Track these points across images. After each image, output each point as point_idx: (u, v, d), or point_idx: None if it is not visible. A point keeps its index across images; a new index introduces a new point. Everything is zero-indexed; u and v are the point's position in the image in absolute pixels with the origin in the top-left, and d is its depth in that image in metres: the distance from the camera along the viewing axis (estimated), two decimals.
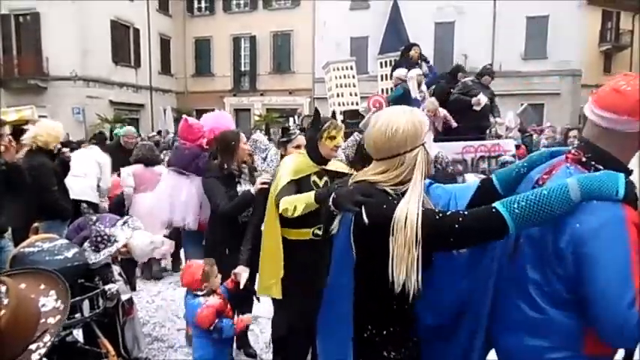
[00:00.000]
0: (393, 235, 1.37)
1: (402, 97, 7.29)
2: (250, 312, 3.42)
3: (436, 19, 21.77)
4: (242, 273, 2.92)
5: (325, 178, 2.74)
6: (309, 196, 2.44)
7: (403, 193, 1.47)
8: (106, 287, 2.52)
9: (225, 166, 3.28)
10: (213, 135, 3.64)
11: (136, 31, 23.23)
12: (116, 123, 18.62)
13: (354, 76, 10.60)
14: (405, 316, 1.55)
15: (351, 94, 10.38)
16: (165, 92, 25.51)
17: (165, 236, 3.76)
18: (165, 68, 25.87)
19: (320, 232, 2.62)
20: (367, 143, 1.57)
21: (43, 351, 1.30)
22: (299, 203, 2.44)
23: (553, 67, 21.44)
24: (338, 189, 1.65)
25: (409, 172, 1.50)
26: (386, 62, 9.63)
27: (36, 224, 3.79)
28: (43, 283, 1.50)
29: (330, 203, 1.60)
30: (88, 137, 13.75)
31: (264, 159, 6.00)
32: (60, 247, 2.28)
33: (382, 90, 9.31)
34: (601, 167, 1.42)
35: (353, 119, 8.60)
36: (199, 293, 2.82)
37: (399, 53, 8.85)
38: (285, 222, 2.67)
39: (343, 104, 10.23)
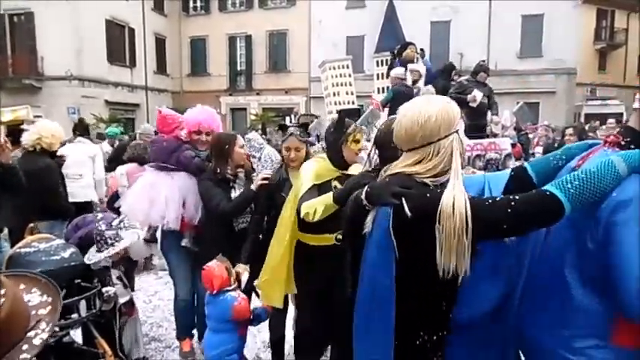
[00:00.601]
0: (439, 222, 1.31)
1: (392, 100, 7.31)
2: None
3: (432, 18, 21.80)
4: (243, 272, 2.95)
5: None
6: (327, 198, 2.35)
7: (443, 185, 1.40)
8: (104, 290, 2.51)
9: (219, 171, 3.16)
10: (196, 128, 3.43)
11: (131, 31, 23.15)
12: (112, 123, 18.54)
13: (350, 75, 10.60)
14: (449, 321, 1.47)
15: (347, 93, 10.38)
16: (161, 92, 25.44)
17: (145, 240, 3.75)
18: (161, 68, 25.79)
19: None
20: (397, 134, 1.51)
21: (45, 335, 1.35)
22: (318, 205, 2.35)
23: (548, 65, 21.52)
24: (372, 183, 1.57)
25: (447, 161, 1.44)
26: (382, 61, 9.65)
27: (31, 225, 3.76)
28: (22, 284, 1.51)
29: (364, 199, 1.53)
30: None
31: (259, 159, 5.99)
32: (56, 248, 2.27)
33: (378, 89, 9.32)
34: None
35: (349, 118, 8.60)
36: (229, 289, 2.86)
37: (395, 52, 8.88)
38: (307, 227, 2.58)
39: (339, 103, 10.22)
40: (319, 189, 2.52)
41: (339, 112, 2.80)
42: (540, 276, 1.54)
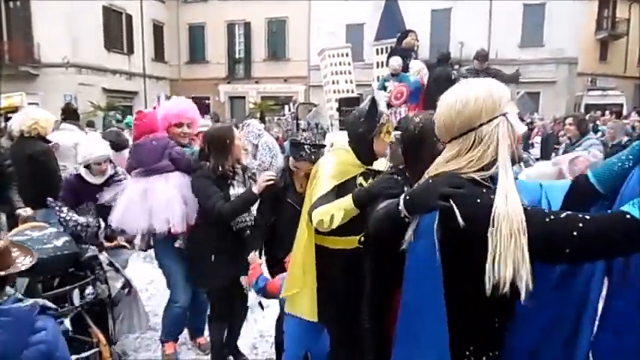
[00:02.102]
0: (493, 225, 1.14)
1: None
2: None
3: (432, 6, 21.60)
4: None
5: (371, 180, 2.32)
6: (346, 202, 2.10)
7: (492, 178, 1.25)
8: (97, 288, 2.53)
9: (220, 169, 2.94)
10: (177, 120, 3.25)
11: (129, 18, 22.90)
12: (109, 111, 18.45)
13: (349, 63, 10.54)
14: (502, 339, 1.31)
15: (346, 82, 10.33)
16: (159, 79, 25.24)
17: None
18: (159, 55, 25.56)
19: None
20: (437, 124, 1.37)
21: (27, 264, 1.70)
22: (336, 211, 2.09)
23: (549, 55, 21.40)
24: (411, 189, 1.37)
25: (493, 150, 1.25)
26: (382, 49, 9.57)
27: (24, 213, 3.72)
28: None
29: (402, 209, 1.33)
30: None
31: (256, 146, 5.94)
32: (49, 236, 2.24)
33: (377, 77, 9.26)
34: None
35: (348, 106, 8.55)
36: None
37: (394, 40, 8.79)
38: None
39: (339, 91, 10.17)
40: (341, 188, 2.24)
41: (372, 99, 2.46)
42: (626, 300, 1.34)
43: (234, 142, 3.02)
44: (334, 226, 2.11)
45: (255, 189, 2.85)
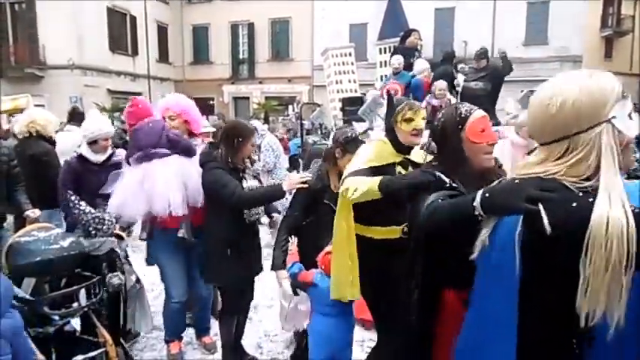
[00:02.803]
0: (586, 253, 0.98)
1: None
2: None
3: (436, 5, 21.54)
4: (283, 279, 2.80)
5: (411, 169, 2.30)
6: (374, 182, 2.07)
7: (595, 191, 1.05)
8: (111, 279, 2.58)
9: (230, 160, 2.96)
10: (164, 114, 3.28)
11: (133, 19, 22.98)
12: (114, 112, 18.51)
13: (352, 63, 10.51)
14: None
15: (349, 81, 10.31)
16: (163, 80, 25.31)
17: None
18: (163, 56, 25.64)
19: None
20: (528, 122, 1.24)
21: None
22: (362, 185, 2.09)
23: (554, 53, 21.27)
24: (491, 187, 1.22)
25: (593, 162, 1.07)
26: (385, 49, 9.55)
27: (31, 213, 3.75)
28: None
29: (477, 206, 1.20)
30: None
31: (259, 147, 5.99)
32: (56, 237, 2.26)
33: (381, 77, 9.24)
34: None
35: (352, 106, 8.54)
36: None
37: (398, 39, 8.77)
38: (370, 219, 2.34)
39: (342, 91, 10.15)
40: (378, 171, 2.22)
41: (388, 93, 2.55)
42: None
43: (248, 142, 3.01)
44: (354, 197, 2.10)
45: (286, 186, 2.84)
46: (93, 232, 3.03)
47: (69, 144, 4.81)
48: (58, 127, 4.78)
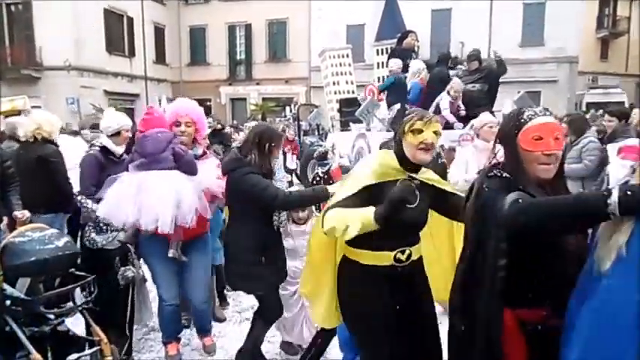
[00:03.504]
0: None
1: (392, 86, 7.23)
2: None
3: (432, 6, 21.61)
4: None
5: (416, 191, 2.04)
6: (365, 214, 1.86)
7: None
8: (125, 272, 2.80)
9: (262, 165, 2.88)
10: (174, 119, 3.22)
11: (130, 20, 22.96)
12: None
13: (350, 64, 10.54)
14: None
15: (347, 82, 10.34)
16: (160, 82, 25.29)
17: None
18: (160, 57, 25.62)
19: (404, 257, 2.09)
20: None
21: None
22: (353, 222, 1.85)
23: (550, 54, 21.37)
24: (631, 185, 1.16)
25: None
26: (382, 50, 9.58)
27: (20, 214, 3.74)
28: None
29: (614, 203, 1.12)
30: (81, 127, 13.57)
31: None
32: (50, 237, 2.26)
33: (378, 78, 9.26)
34: None
35: (349, 107, 8.56)
36: None
37: (395, 41, 8.80)
38: (358, 240, 1.98)
39: (339, 92, 10.18)
40: (377, 190, 1.98)
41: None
42: None
43: (279, 146, 3.00)
44: (347, 237, 1.89)
45: (332, 190, 2.75)
46: (104, 227, 3.10)
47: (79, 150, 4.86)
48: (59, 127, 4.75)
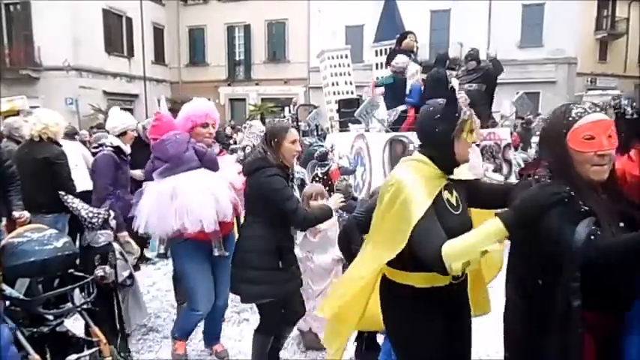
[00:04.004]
0: None
1: (392, 85, 7.23)
2: None
3: (432, 7, 21.63)
4: None
5: (455, 194, 1.93)
6: (492, 229, 1.58)
7: None
8: (99, 271, 2.65)
9: (278, 161, 2.76)
10: (192, 124, 3.17)
11: (129, 21, 22.96)
12: None
13: (349, 65, 10.54)
14: None
15: (346, 83, 10.34)
16: (159, 82, 25.30)
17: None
18: (159, 58, 25.63)
19: (460, 274, 1.87)
20: None
21: None
22: (484, 243, 1.58)
23: (549, 55, 21.43)
24: None
25: None
26: (381, 51, 9.56)
27: (18, 214, 3.74)
28: None
29: None
30: (80, 127, 13.56)
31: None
32: (49, 237, 2.26)
33: (377, 78, 9.26)
34: None
35: (348, 108, 8.55)
36: None
37: (394, 41, 8.79)
38: (410, 263, 1.84)
39: (338, 93, 10.18)
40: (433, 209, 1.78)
41: (451, 88, 2.07)
42: None
43: (283, 142, 2.79)
44: (482, 257, 1.64)
45: (332, 205, 2.86)
46: (89, 226, 3.11)
47: (77, 152, 4.90)
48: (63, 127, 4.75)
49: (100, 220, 3.09)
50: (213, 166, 3.08)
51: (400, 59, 7.46)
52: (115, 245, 3.13)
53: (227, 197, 2.98)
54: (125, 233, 3.56)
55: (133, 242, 3.58)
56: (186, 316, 3.26)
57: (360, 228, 2.45)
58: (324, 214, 2.82)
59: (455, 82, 6.73)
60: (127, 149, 3.60)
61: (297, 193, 2.97)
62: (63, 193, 3.32)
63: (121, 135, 3.57)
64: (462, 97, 6.46)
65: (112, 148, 3.52)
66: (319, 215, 2.81)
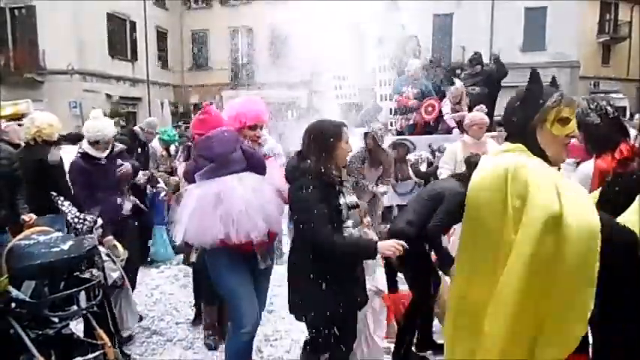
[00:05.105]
0: None
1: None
2: None
3: (434, 10, 21.65)
4: None
5: None
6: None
7: None
8: (86, 275, 2.64)
9: (323, 170, 2.36)
10: (240, 124, 2.84)
11: (133, 24, 23.06)
12: (113, 117, 18.53)
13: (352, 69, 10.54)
14: None
15: (349, 86, 10.34)
16: (163, 86, 25.37)
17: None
18: (163, 61, 25.71)
19: None
20: None
21: None
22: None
23: (551, 58, 21.40)
24: None
25: None
26: (384, 54, 9.58)
27: (27, 218, 3.76)
28: None
29: None
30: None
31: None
32: (56, 240, 2.27)
33: (380, 82, 9.28)
34: None
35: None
36: None
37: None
38: None
39: (341, 97, 10.20)
40: None
41: (532, 70, 1.73)
42: None
43: (340, 144, 2.44)
44: None
45: (380, 248, 2.29)
46: (74, 231, 3.12)
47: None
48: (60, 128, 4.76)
49: (84, 227, 3.07)
50: (261, 169, 2.75)
51: (412, 64, 7.44)
52: (101, 248, 3.08)
53: (276, 205, 2.69)
54: (110, 237, 3.47)
55: (119, 246, 3.55)
56: (235, 340, 2.75)
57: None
58: (361, 250, 2.37)
59: (459, 84, 6.75)
60: (99, 154, 3.57)
61: (350, 199, 2.53)
62: (55, 194, 3.29)
63: (94, 143, 3.55)
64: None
65: (79, 154, 3.56)
66: (352, 250, 2.35)
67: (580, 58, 21.71)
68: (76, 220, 3.11)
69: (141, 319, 4.12)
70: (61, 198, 3.29)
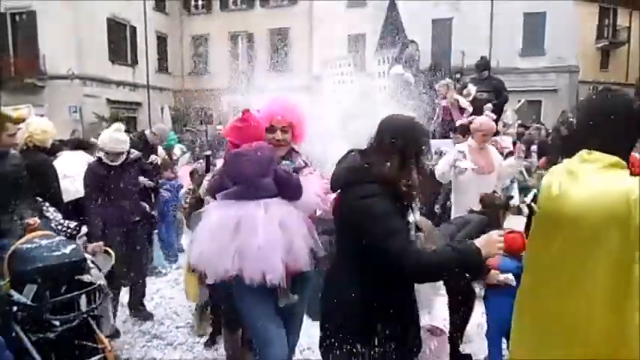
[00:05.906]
0: None
1: None
2: None
3: (433, 15, 21.76)
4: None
5: None
6: None
7: None
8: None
9: (401, 181, 1.81)
10: (268, 124, 2.50)
11: (133, 29, 23.16)
12: (113, 122, 18.56)
13: (351, 74, 10.59)
14: None
15: (348, 91, 10.37)
16: (163, 90, 25.43)
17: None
18: (163, 66, 25.81)
19: None
20: None
21: None
22: None
23: (550, 63, 21.51)
24: None
25: None
26: (383, 59, 9.63)
27: (32, 221, 3.77)
28: None
29: None
30: (84, 136, 13.61)
31: None
32: (57, 244, 2.29)
33: (379, 87, 9.32)
34: None
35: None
36: None
37: (396, 50, 8.87)
38: None
39: (341, 102, 10.23)
40: None
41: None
42: None
43: (420, 148, 1.92)
44: None
45: (485, 250, 1.69)
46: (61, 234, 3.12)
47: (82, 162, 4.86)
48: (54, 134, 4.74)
49: (66, 235, 3.07)
50: (295, 195, 2.41)
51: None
52: (86, 255, 2.98)
53: (304, 242, 2.32)
54: (100, 243, 3.32)
55: (110, 251, 3.53)
56: None
57: None
58: (460, 260, 1.70)
59: (472, 88, 6.80)
60: (112, 163, 3.85)
61: (418, 217, 2.12)
62: (40, 199, 3.30)
63: (109, 153, 3.85)
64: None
65: (97, 158, 3.76)
66: (447, 259, 1.70)
67: (579, 62, 21.79)
68: (59, 227, 3.15)
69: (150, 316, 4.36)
70: (47, 204, 3.30)
